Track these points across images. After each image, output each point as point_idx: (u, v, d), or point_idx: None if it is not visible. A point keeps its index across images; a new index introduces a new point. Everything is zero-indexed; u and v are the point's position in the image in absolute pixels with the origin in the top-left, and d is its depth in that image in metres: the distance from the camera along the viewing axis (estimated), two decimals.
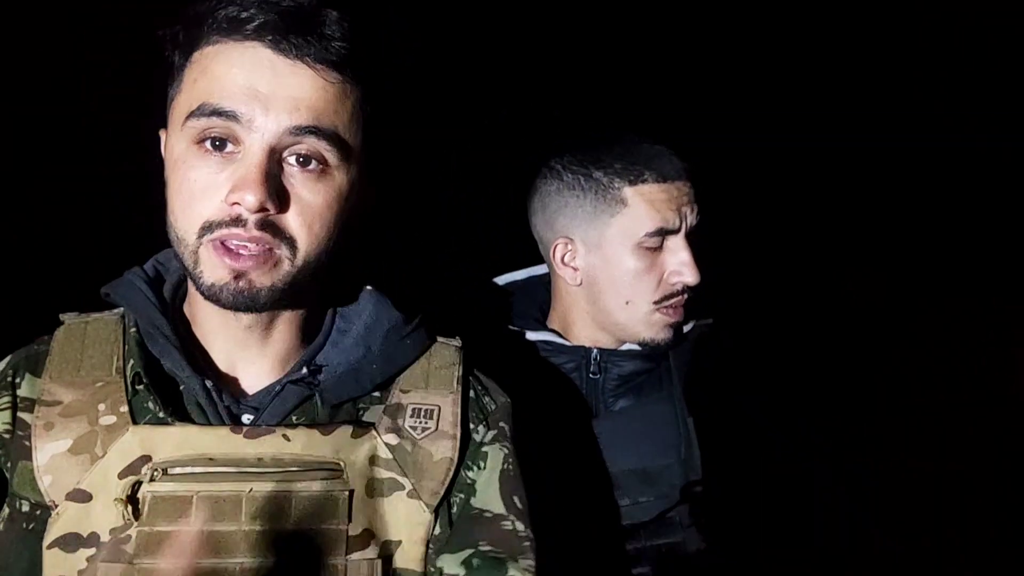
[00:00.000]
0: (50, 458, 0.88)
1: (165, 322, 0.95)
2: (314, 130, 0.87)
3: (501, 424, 1.03)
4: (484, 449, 1.00)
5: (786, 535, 1.32)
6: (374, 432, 0.94)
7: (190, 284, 0.97)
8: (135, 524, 0.85)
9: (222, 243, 0.87)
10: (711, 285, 1.35)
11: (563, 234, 1.38)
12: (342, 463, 0.90)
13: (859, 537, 1.43)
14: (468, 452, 0.99)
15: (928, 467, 1.89)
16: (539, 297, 1.50)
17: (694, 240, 1.35)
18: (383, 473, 0.92)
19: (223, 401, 0.94)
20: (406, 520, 0.92)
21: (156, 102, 0.97)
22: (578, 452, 1.34)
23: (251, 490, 0.86)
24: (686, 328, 1.41)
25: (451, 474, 0.95)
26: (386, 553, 0.89)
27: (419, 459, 0.94)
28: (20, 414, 0.92)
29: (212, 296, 0.89)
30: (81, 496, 0.86)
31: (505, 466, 1.00)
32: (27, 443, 0.89)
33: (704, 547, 1.31)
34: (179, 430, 0.89)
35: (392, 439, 0.94)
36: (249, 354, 0.97)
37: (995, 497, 1.95)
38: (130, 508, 0.85)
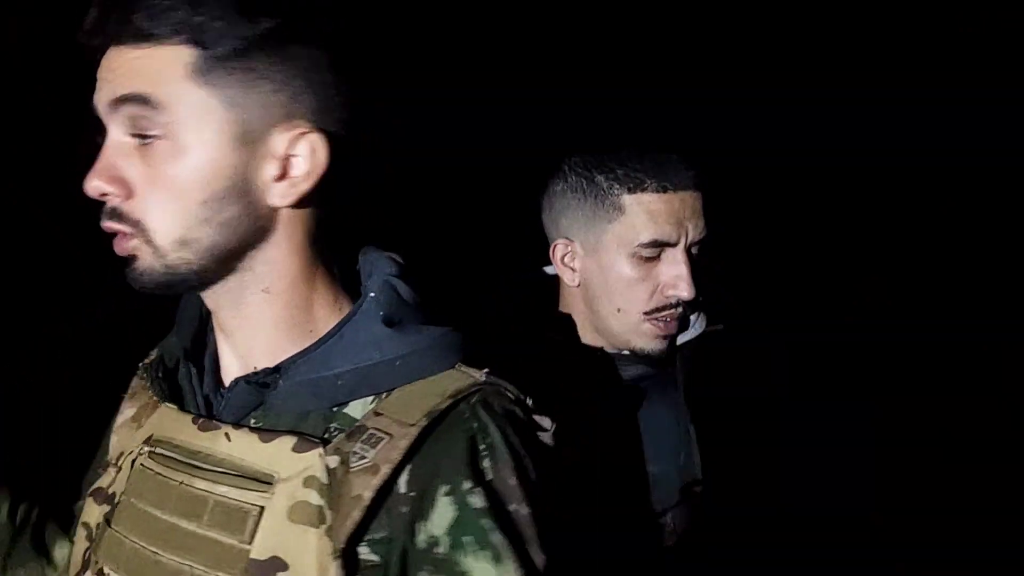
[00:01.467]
0: (121, 422, 0.99)
1: (186, 310, 0.99)
2: (125, 98, 0.82)
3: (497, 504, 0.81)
4: (484, 522, 0.79)
5: (785, 536, 1.33)
6: (321, 451, 0.81)
7: None
8: (123, 494, 0.91)
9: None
10: (723, 292, 1.35)
11: (564, 234, 1.38)
12: (276, 476, 0.81)
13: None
14: (456, 520, 0.79)
15: (930, 467, 1.90)
16: (546, 298, 1.49)
17: (696, 253, 1.32)
18: (316, 499, 0.79)
19: (202, 389, 0.94)
20: (318, 560, 0.78)
21: None
22: (576, 455, 1.34)
23: (181, 483, 0.85)
24: (686, 337, 1.39)
25: (358, 518, 0.78)
26: None
27: (341, 491, 0.79)
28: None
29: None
30: (120, 458, 0.95)
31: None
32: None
33: (702, 550, 1.31)
34: (167, 412, 0.93)
35: (333, 462, 0.80)
36: (222, 344, 0.95)
37: (995, 497, 1.97)
38: (123, 476, 0.92)
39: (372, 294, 0.91)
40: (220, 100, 0.83)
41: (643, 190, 1.30)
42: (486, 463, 0.81)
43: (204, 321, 0.98)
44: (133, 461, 0.92)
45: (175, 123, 0.82)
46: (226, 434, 0.86)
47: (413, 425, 0.80)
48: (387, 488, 0.79)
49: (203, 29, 0.82)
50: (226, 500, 0.82)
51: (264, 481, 0.81)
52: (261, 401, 0.89)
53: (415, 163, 1.87)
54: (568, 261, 1.38)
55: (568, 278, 1.39)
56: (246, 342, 0.92)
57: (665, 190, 1.29)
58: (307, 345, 0.90)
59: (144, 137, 0.83)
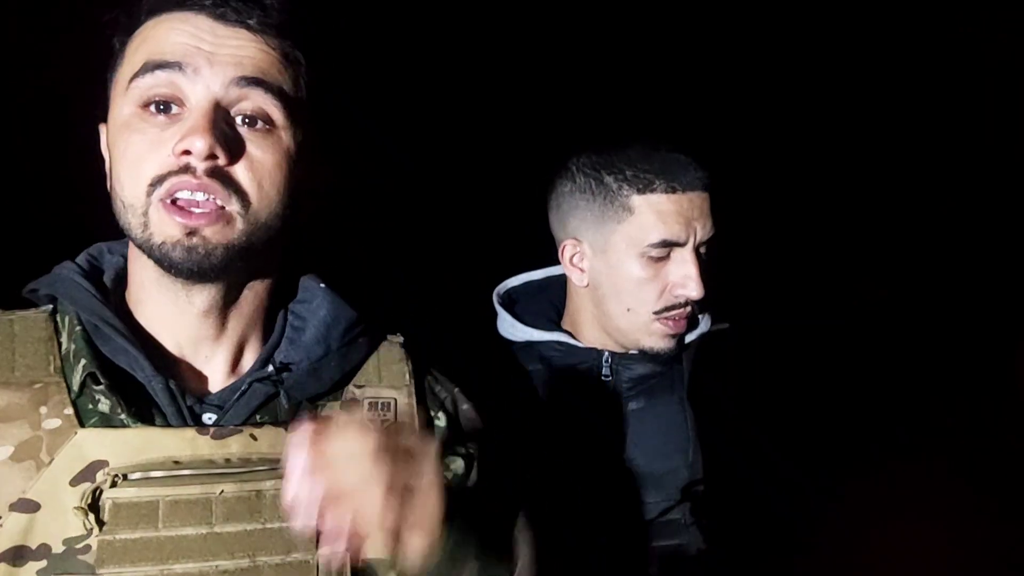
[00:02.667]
0: None
1: (116, 320, 0.91)
2: (260, 82, 0.86)
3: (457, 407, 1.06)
4: (449, 432, 1.02)
5: (783, 536, 1.34)
6: None
7: (134, 272, 0.95)
8: (97, 533, 0.81)
9: (172, 201, 0.84)
10: (727, 291, 1.35)
11: (573, 235, 1.38)
12: None
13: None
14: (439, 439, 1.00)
15: (933, 468, 1.91)
16: (555, 298, 1.50)
17: (704, 253, 1.33)
18: None
19: (186, 401, 0.90)
20: None
21: (95, 96, 0.96)
22: (585, 453, 1.34)
23: (222, 492, 0.85)
24: (694, 335, 1.40)
25: None
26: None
27: None
28: None
29: (164, 257, 0.85)
30: (27, 506, 0.81)
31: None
32: None
33: (706, 548, 1.31)
34: (137, 432, 0.85)
35: None
36: (202, 348, 0.94)
37: (995, 497, 1.98)
38: (92, 516, 0.81)
39: (321, 284, 1.03)
40: (311, 110, 0.92)
41: (652, 191, 1.30)
42: (442, 395, 1.06)
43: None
44: (94, 499, 0.82)
45: (290, 121, 0.89)
46: (251, 435, 0.89)
47: (407, 385, 1.01)
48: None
49: (315, 45, 0.90)
50: (279, 491, 0.84)
51: None
52: (269, 398, 0.94)
53: (416, 163, 1.86)
54: (577, 261, 1.39)
55: (577, 278, 1.40)
56: (239, 341, 0.96)
57: (674, 191, 1.30)
58: (272, 338, 0.98)
59: (261, 122, 0.88)
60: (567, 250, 1.39)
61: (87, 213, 0.99)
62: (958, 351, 2.15)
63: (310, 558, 0.86)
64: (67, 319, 0.92)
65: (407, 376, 1.02)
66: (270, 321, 1.00)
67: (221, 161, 0.85)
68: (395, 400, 0.99)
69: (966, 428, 2.07)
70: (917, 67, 2.15)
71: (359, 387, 1.00)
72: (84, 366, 0.87)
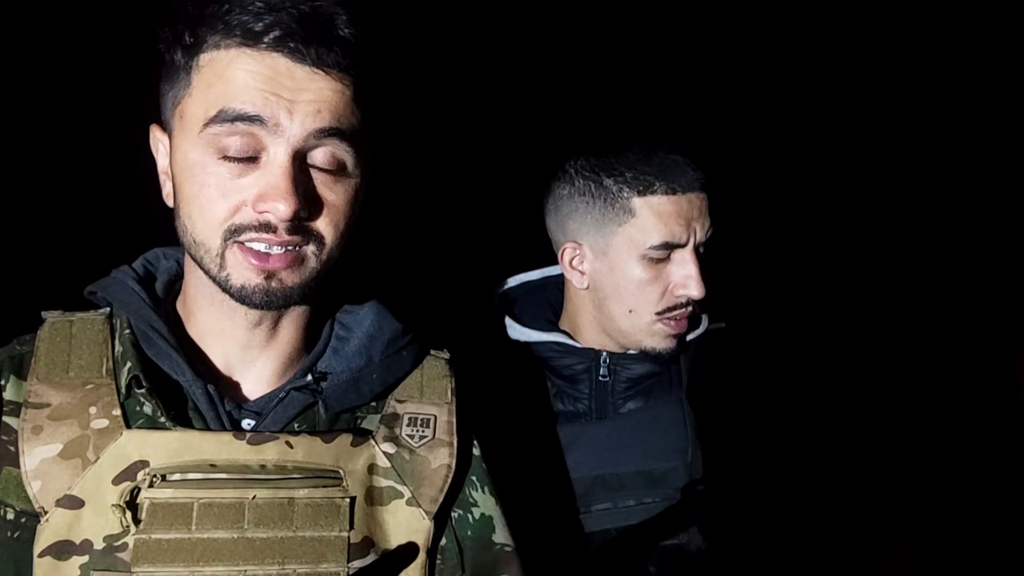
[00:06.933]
0: (39, 463, 0.85)
1: (163, 325, 0.94)
2: (336, 131, 0.87)
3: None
4: (483, 466, 1.02)
5: (783, 536, 1.34)
6: (372, 441, 0.94)
7: (189, 283, 0.96)
8: (133, 531, 0.83)
9: (250, 247, 0.87)
10: (725, 290, 1.36)
11: (572, 238, 1.38)
12: (342, 471, 0.91)
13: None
14: (471, 466, 1.00)
15: (933, 468, 1.91)
16: (552, 298, 1.50)
17: (704, 253, 1.33)
18: (381, 481, 0.93)
19: (224, 406, 0.93)
20: (406, 528, 0.92)
21: (149, 101, 0.96)
22: (583, 453, 1.35)
23: (254, 497, 0.86)
24: (692, 335, 1.40)
25: (449, 481, 0.95)
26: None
27: (417, 467, 0.95)
28: (5, 418, 0.89)
29: (243, 298, 0.88)
30: (72, 502, 0.84)
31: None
32: (12, 448, 0.86)
33: (706, 547, 1.31)
34: (178, 435, 0.87)
35: (390, 448, 0.95)
36: (249, 356, 0.96)
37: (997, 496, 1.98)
38: (129, 515, 0.83)
39: (373, 300, 1.03)
40: (369, 143, 0.93)
41: (652, 193, 1.31)
42: (478, 422, 1.04)
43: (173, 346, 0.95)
44: (132, 497, 0.84)
45: (358, 160, 0.91)
46: (287, 442, 0.90)
47: (448, 403, 1.00)
48: (463, 454, 0.98)
49: (375, 76, 0.91)
50: (313, 500, 0.88)
51: (335, 477, 0.91)
52: (307, 406, 0.95)
53: (415, 163, 1.87)
54: (577, 264, 1.39)
55: (577, 281, 1.40)
56: (288, 351, 0.98)
57: (674, 192, 1.31)
58: (317, 347, 0.99)
59: (339, 168, 0.89)
60: (567, 253, 1.40)
61: (155, 209, 1.00)
62: (958, 351, 2.15)
63: (341, 570, 0.87)
64: (120, 322, 0.96)
65: (449, 393, 1.02)
66: (318, 329, 1.01)
67: (305, 216, 0.87)
68: (435, 417, 0.99)
69: (966, 428, 2.07)
70: (916, 67, 2.15)
71: (400, 401, 1.00)
72: (129, 368, 0.91)
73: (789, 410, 1.44)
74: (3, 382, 0.92)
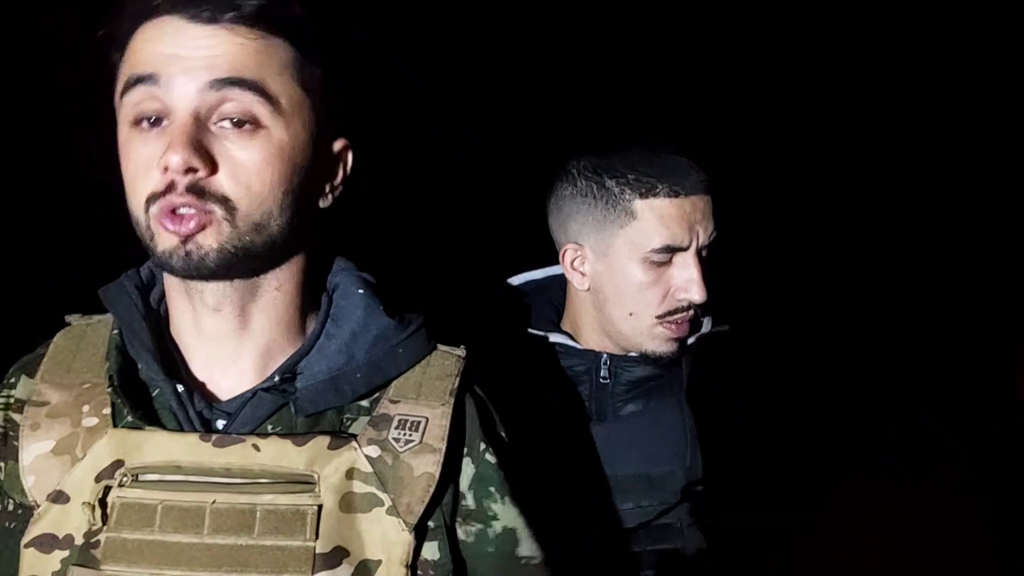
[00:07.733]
0: (34, 458, 0.88)
1: (143, 325, 0.93)
2: (236, 81, 0.84)
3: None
4: (501, 473, 0.96)
5: (782, 537, 1.34)
6: (355, 444, 0.89)
7: (163, 280, 0.96)
8: (104, 530, 0.84)
9: (167, 211, 0.85)
10: (727, 293, 1.35)
11: (574, 239, 1.37)
12: (315, 475, 0.86)
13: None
14: (485, 476, 0.95)
15: (932, 468, 1.92)
16: (555, 298, 1.49)
17: (706, 256, 1.33)
18: (361, 487, 0.88)
19: (195, 406, 0.91)
20: (383, 539, 0.87)
21: None
22: (583, 455, 1.34)
23: (214, 501, 0.84)
24: (693, 339, 1.40)
25: (431, 491, 0.89)
26: (364, 573, 0.85)
27: (400, 473, 0.89)
28: (12, 414, 0.92)
29: (166, 266, 0.87)
30: (60, 497, 0.86)
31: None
32: (15, 443, 0.90)
33: (705, 550, 1.31)
34: (149, 435, 0.87)
35: (373, 451, 0.89)
36: (226, 351, 0.93)
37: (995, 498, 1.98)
38: (98, 513, 0.84)
39: (360, 290, 0.99)
40: (309, 101, 0.89)
41: (655, 195, 1.30)
42: (491, 427, 0.98)
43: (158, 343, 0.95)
44: (104, 496, 0.85)
45: (278, 115, 0.86)
46: (254, 445, 0.87)
47: (444, 405, 0.93)
48: (452, 461, 0.92)
49: (302, 31, 0.88)
50: (276, 507, 0.85)
51: (305, 482, 0.86)
52: (279, 407, 0.92)
53: (416, 164, 1.87)
54: (578, 265, 1.38)
55: (578, 282, 1.39)
56: (265, 345, 0.94)
57: (677, 195, 1.30)
58: (300, 345, 0.95)
59: (247, 123, 0.86)
60: (568, 254, 1.39)
61: None
62: (958, 351, 2.15)
63: None
64: (114, 324, 0.97)
65: (448, 393, 0.94)
66: (306, 323, 0.98)
67: (201, 173, 0.83)
68: (426, 420, 0.92)
69: (966, 429, 2.07)
70: (917, 68, 2.15)
71: (394, 401, 0.93)
72: (107, 368, 0.92)
73: (789, 410, 1.44)
74: (16, 381, 0.95)
